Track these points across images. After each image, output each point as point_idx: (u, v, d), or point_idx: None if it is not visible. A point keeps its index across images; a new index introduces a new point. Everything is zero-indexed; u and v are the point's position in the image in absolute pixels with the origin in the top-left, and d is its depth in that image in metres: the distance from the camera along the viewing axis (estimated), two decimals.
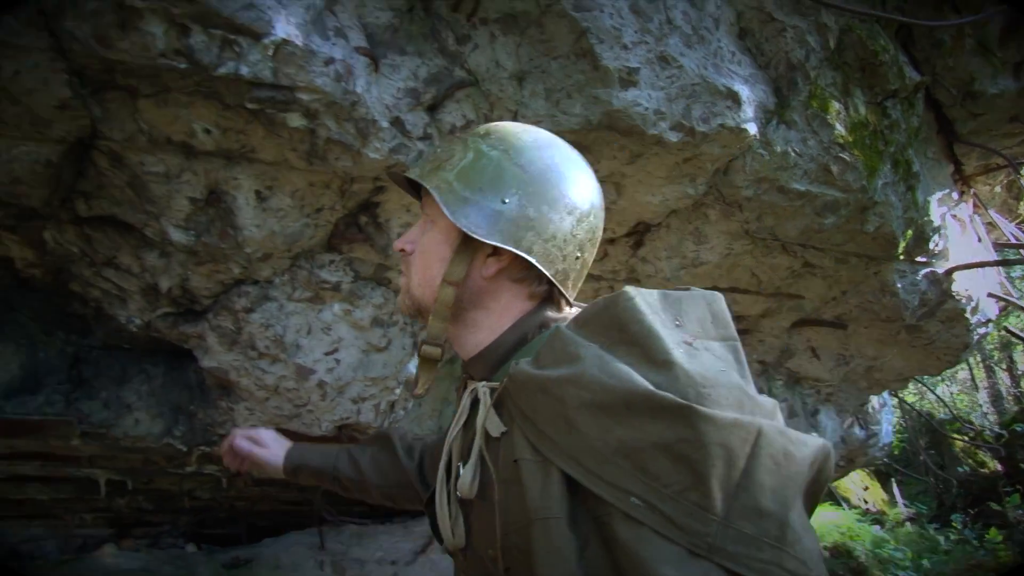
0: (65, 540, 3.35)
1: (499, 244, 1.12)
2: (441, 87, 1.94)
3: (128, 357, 2.51)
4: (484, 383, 1.10)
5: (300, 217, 2.02)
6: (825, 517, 6.52)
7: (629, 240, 2.52)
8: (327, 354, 2.27)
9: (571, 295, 1.23)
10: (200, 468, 2.77)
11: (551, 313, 1.18)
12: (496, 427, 1.04)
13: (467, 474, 1.06)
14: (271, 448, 1.63)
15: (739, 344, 1.07)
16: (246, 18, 1.58)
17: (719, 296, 1.12)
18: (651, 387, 0.92)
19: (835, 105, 2.42)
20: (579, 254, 1.20)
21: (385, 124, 1.84)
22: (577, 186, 1.20)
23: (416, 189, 1.27)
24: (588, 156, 1.59)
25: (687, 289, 1.13)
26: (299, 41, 1.65)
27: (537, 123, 1.94)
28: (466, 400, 1.13)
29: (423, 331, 1.70)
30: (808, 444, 0.97)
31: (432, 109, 1.96)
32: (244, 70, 1.63)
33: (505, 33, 1.94)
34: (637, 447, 0.93)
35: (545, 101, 1.96)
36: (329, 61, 1.70)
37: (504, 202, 1.13)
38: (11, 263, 2.23)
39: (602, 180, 2.09)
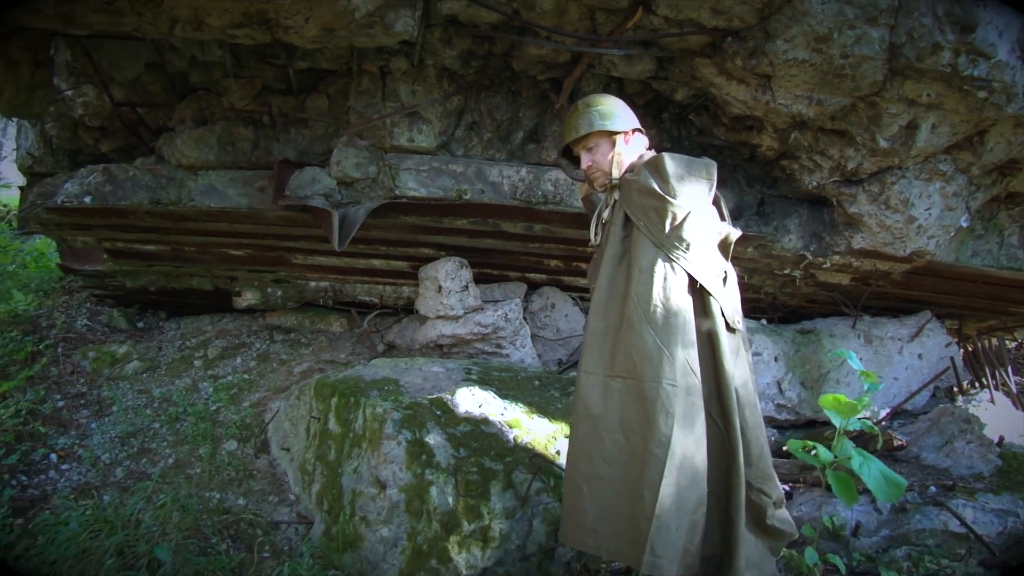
0: None
1: (629, 128, 3.04)
2: None
3: (789, 203, 4.60)
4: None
5: (948, 136, 3.89)
6: None
7: None
8: (925, 209, 4.20)
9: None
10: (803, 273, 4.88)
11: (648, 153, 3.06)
12: (617, 196, 3.01)
13: (608, 211, 3.03)
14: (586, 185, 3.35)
15: (713, 182, 2.89)
16: (986, 49, 3.42)
17: (711, 162, 2.95)
18: (656, 186, 2.79)
19: None
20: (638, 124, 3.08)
21: None
22: (623, 103, 3.08)
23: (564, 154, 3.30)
24: None
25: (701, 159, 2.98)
26: (1004, 58, 3.46)
27: None
28: (616, 192, 3.01)
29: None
30: (723, 228, 2.89)
31: None
32: (976, 72, 3.48)
33: None
34: (647, 206, 2.86)
35: None
36: (1012, 67, 3.51)
37: (618, 116, 3.03)
38: (758, 147, 4.33)
39: None
